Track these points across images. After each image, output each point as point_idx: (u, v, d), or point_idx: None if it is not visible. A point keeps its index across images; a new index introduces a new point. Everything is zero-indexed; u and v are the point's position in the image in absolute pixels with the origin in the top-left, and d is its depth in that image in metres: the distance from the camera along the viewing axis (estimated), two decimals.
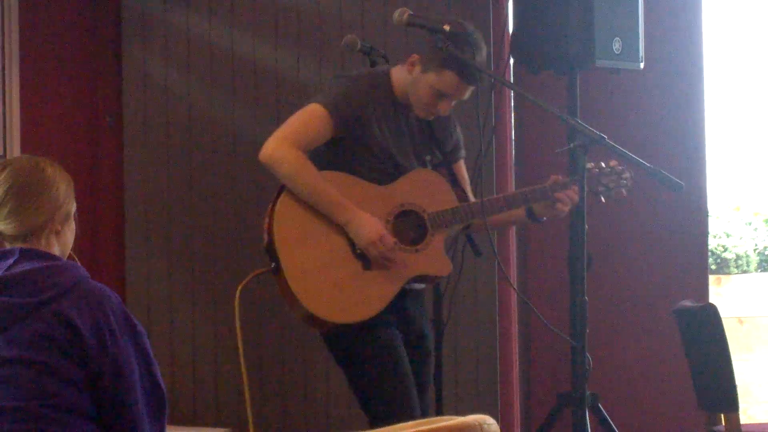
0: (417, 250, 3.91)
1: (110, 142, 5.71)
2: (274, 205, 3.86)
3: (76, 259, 2.99)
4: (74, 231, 3.00)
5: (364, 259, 3.86)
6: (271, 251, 3.84)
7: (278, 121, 5.40)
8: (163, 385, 2.93)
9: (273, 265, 3.83)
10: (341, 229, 3.85)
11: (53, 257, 2.89)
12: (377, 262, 3.85)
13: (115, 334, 2.81)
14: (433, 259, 3.93)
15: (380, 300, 3.86)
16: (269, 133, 5.39)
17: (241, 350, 3.94)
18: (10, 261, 2.85)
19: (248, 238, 5.52)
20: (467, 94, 3.92)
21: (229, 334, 5.54)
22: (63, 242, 2.97)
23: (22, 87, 5.49)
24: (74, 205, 2.99)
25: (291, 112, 5.32)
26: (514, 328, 5.31)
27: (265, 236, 3.86)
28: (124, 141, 5.67)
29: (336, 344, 3.96)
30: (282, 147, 3.84)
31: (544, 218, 4.09)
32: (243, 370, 3.97)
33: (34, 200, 2.90)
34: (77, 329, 2.77)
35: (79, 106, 5.71)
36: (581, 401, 4.04)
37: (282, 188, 3.88)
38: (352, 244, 3.86)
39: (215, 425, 5.51)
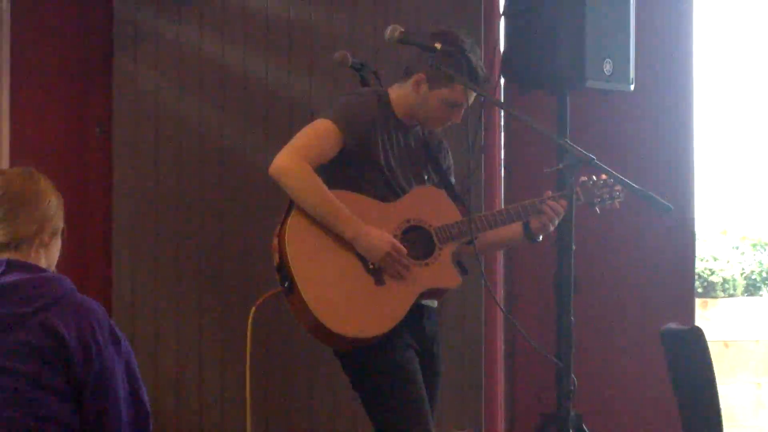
0: (426, 264, 3.93)
1: (99, 151, 5.70)
2: (283, 225, 3.85)
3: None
4: (60, 249, 2.99)
5: (376, 274, 3.86)
6: (283, 270, 3.81)
7: (267, 133, 5.44)
8: (146, 400, 2.93)
9: (286, 284, 3.81)
10: (352, 246, 3.85)
11: (40, 269, 2.89)
12: (393, 273, 3.86)
13: (100, 347, 2.81)
14: (442, 272, 3.94)
15: (394, 315, 3.85)
16: (258, 145, 5.44)
17: (248, 373, 3.92)
18: None
19: (236, 249, 5.52)
20: (472, 98, 3.97)
21: (214, 346, 5.54)
22: (49, 257, 2.97)
23: (11, 96, 5.49)
24: (63, 223, 2.99)
25: (280, 125, 5.35)
26: (500, 348, 5.30)
27: (276, 256, 3.83)
28: (114, 151, 5.66)
29: (353, 366, 3.94)
30: (291, 160, 3.83)
31: (540, 238, 4.11)
32: (247, 393, 3.95)
33: (26, 209, 2.90)
34: (63, 340, 2.76)
35: (68, 115, 5.71)
36: (565, 421, 4.03)
37: (290, 208, 3.87)
38: (362, 260, 3.86)
39: None
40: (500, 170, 5.36)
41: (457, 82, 3.87)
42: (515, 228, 4.09)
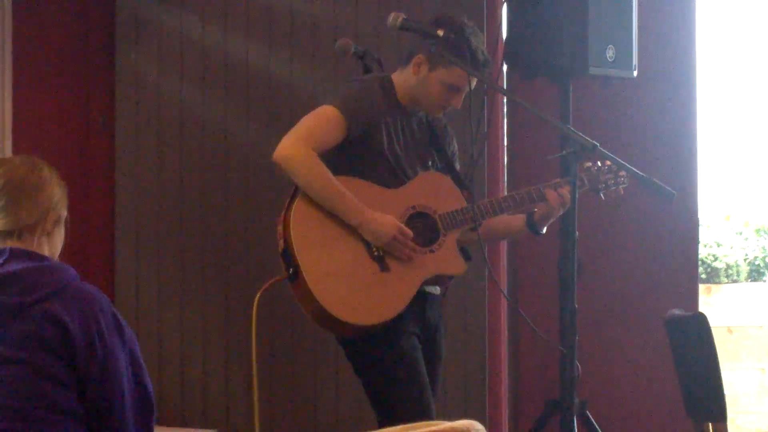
0: (432, 251, 3.93)
1: (102, 143, 5.71)
2: (287, 211, 3.85)
3: None
4: (63, 238, 2.99)
5: (381, 261, 3.86)
6: (288, 256, 3.81)
7: (270, 122, 5.44)
8: (150, 389, 2.92)
9: (291, 270, 3.80)
10: (356, 232, 3.85)
11: (43, 258, 2.89)
12: (400, 256, 3.86)
13: (104, 336, 2.81)
14: (447, 258, 3.95)
15: (399, 302, 3.85)
16: (261, 135, 5.44)
17: (254, 360, 3.92)
18: (0, 261, 2.84)
19: (239, 239, 5.52)
20: (474, 84, 3.95)
21: (217, 335, 5.55)
22: (52, 245, 2.96)
23: (14, 87, 5.49)
24: (66, 212, 2.99)
25: (283, 115, 5.34)
26: (504, 334, 5.31)
27: (281, 242, 3.83)
28: (116, 142, 5.67)
29: (356, 353, 3.95)
30: (296, 147, 3.83)
31: (544, 230, 4.11)
32: (254, 379, 3.95)
33: (29, 198, 2.90)
34: (67, 329, 2.76)
35: (71, 107, 5.71)
36: (569, 408, 4.04)
37: (294, 194, 3.87)
38: (367, 247, 3.86)
39: (203, 426, 5.50)
40: (503, 158, 5.35)
41: (458, 67, 3.87)
42: (519, 219, 4.09)
